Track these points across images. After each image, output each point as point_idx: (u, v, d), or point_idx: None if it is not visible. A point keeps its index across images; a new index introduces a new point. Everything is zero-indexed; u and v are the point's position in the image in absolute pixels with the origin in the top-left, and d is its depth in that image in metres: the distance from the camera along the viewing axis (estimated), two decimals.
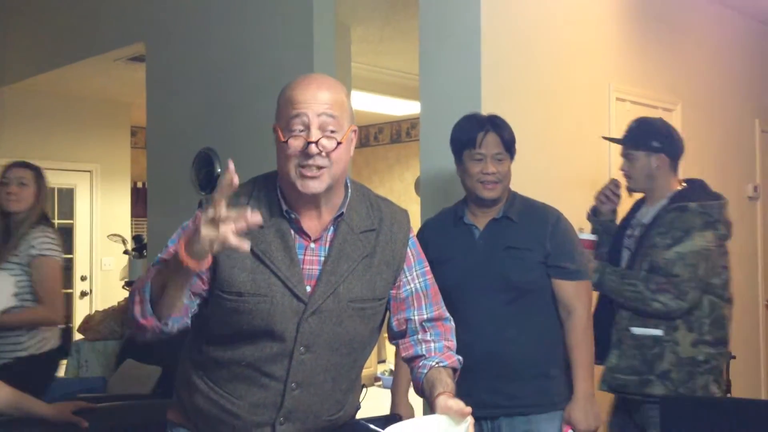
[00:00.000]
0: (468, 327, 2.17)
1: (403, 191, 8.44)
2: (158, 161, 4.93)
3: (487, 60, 3.06)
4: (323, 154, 1.59)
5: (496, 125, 2.45)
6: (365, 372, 2.08)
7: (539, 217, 2.47)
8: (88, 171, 7.25)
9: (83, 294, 7.25)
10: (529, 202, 2.52)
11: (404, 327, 1.79)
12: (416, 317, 1.78)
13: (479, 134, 2.42)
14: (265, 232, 1.65)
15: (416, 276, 1.79)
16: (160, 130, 4.91)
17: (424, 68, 3.24)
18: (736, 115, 4.82)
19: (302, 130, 1.59)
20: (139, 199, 7.86)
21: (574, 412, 2.39)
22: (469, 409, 1.52)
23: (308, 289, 1.65)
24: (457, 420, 1.54)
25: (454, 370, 1.75)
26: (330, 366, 1.70)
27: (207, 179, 4.38)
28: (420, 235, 2.42)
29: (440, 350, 1.76)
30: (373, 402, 3.46)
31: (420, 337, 1.78)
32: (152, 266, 1.61)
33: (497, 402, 2.37)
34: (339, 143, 1.60)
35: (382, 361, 7.91)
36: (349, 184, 1.74)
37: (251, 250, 1.61)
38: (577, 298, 2.43)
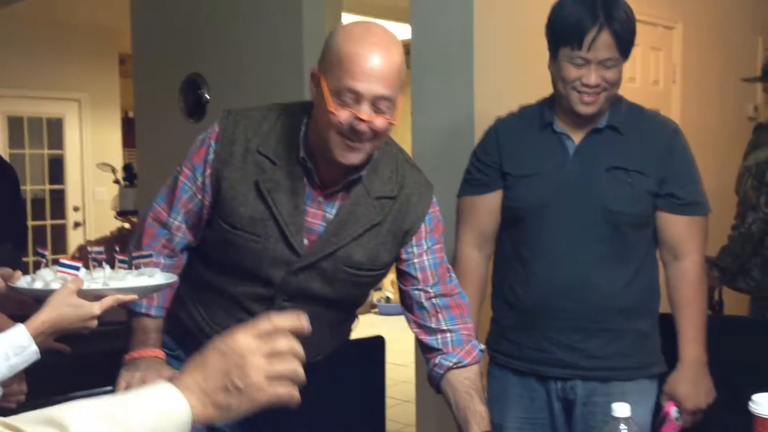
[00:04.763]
0: (546, 262, 1.88)
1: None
2: (145, 88, 4.81)
3: None
4: (370, 131, 1.48)
5: (612, 18, 1.76)
6: None
7: (653, 130, 1.91)
8: (76, 100, 7.14)
9: (77, 224, 7.22)
10: (637, 108, 1.95)
11: (411, 301, 1.72)
12: (422, 294, 1.70)
13: (589, 33, 1.76)
14: (276, 170, 1.57)
15: (425, 251, 1.69)
16: (145, 55, 4.77)
17: None
18: (739, 33, 4.69)
19: (353, 103, 1.46)
20: (131, 130, 7.74)
21: (681, 385, 1.87)
22: None
23: (305, 242, 1.58)
24: None
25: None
26: (313, 317, 1.63)
27: (195, 105, 4.27)
28: (489, 137, 2.02)
29: (459, 343, 1.67)
30: (369, 329, 3.45)
31: (433, 323, 1.68)
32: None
33: (574, 361, 1.88)
34: (391, 123, 1.49)
35: (378, 289, 7.93)
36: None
37: (257, 185, 1.55)
38: (691, 239, 1.91)
